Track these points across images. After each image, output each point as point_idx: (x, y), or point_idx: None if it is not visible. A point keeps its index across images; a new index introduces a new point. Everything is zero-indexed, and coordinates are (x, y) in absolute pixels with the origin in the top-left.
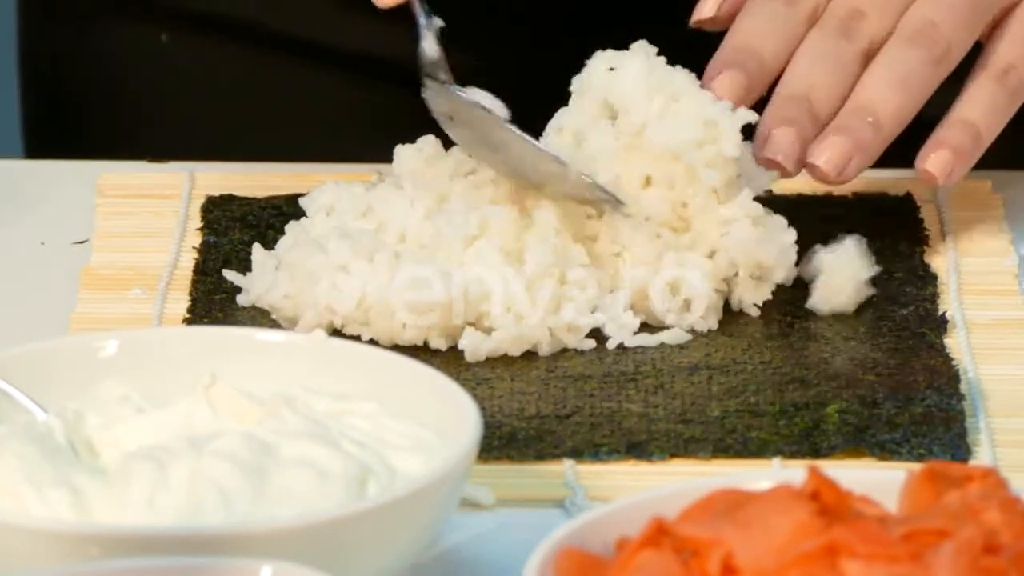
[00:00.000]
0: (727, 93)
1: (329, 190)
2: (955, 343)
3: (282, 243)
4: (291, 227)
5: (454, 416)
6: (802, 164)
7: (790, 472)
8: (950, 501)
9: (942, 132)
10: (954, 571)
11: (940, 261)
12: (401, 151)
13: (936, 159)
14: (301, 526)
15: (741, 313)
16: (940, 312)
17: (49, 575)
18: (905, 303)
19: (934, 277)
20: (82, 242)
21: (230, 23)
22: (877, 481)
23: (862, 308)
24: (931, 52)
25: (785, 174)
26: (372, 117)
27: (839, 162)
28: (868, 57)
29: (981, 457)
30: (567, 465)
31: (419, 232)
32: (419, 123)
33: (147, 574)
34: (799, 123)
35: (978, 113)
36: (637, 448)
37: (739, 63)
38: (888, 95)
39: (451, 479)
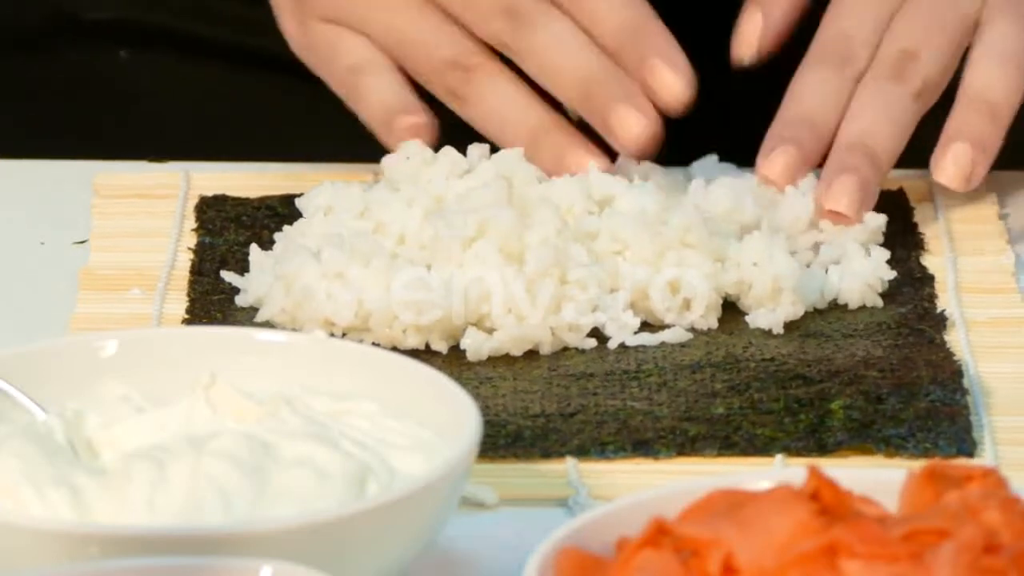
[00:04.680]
0: (781, 170)
1: (326, 190)
2: (955, 341)
3: (276, 250)
4: (281, 236)
5: (454, 416)
6: (865, 211)
7: (790, 472)
8: (950, 501)
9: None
10: (954, 571)
11: (937, 261)
12: (390, 157)
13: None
14: (301, 526)
15: (740, 312)
16: (939, 311)
17: (49, 575)
18: (903, 302)
19: (931, 277)
20: (82, 242)
21: (227, 36)
22: (877, 481)
23: (860, 307)
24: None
25: (848, 223)
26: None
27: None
28: (922, 97)
29: (982, 455)
30: (570, 464)
31: (419, 233)
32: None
33: (147, 574)
34: (860, 170)
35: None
36: (643, 446)
37: (793, 137)
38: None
39: (451, 479)
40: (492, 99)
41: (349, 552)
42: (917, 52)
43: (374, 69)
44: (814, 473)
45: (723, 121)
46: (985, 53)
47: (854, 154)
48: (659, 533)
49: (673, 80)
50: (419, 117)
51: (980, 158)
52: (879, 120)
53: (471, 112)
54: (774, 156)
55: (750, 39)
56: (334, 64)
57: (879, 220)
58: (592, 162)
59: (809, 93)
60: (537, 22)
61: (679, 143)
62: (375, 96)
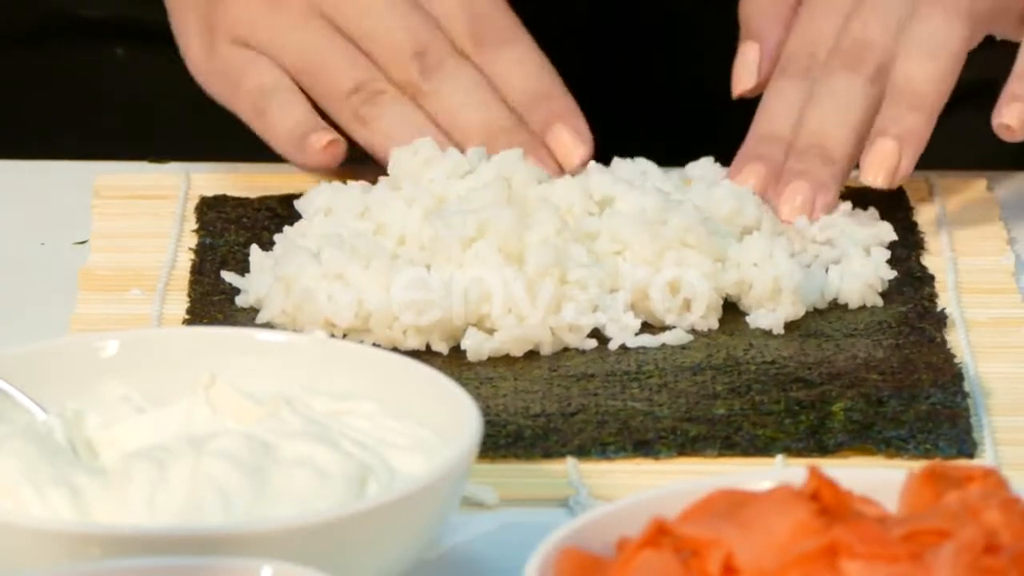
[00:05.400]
0: (751, 187)
1: (326, 191)
2: (955, 341)
3: (276, 251)
4: (281, 236)
5: (454, 416)
6: (824, 208)
7: (791, 472)
8: (950, 501)
9: (1014, 85)
10: (954, 571)
11: (937, 261)
12: (397, 153)
13: (1012, 111)
14: (301, 526)
15: (741, 313)
16: (939, 310)
17: (49, 575)
18: (903, 302)
19: (931, 277)
20: (82, 243)
21: None
22: (877, 481)
23: (860, 307)
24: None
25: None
26: None
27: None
28: (878, 81)
29: (982, 455)
30: (570, 464)
31: (419, 234)
32: None
33: (147, 574)
34: (809, 173)
35: None
36: (644, 446)
37: (760, 154)
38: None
39: (451, 479)
40: (392, 125)
41: (349, 552)
42: (870, 39)
43: (284, 90)
44: (814, 473)
45: (722, 121)
46: (913, 45)
47: (804, 157)
48: (659, 533)
49: (574, 145)
50: (332, 135)
51: (907, 151)
52: (830, 114)
53: (370, 136)
54: (743, 176)
55: (750, 69)
56: (242, 86)
57: (884, 228)
58: None
59: (775, 107)
60: (447, 70)
61: (678, 143)
62: (286, 115)
